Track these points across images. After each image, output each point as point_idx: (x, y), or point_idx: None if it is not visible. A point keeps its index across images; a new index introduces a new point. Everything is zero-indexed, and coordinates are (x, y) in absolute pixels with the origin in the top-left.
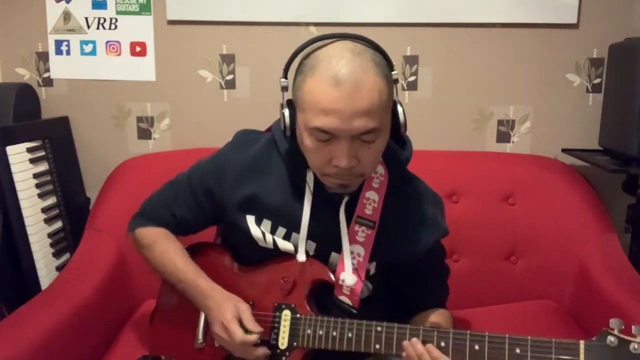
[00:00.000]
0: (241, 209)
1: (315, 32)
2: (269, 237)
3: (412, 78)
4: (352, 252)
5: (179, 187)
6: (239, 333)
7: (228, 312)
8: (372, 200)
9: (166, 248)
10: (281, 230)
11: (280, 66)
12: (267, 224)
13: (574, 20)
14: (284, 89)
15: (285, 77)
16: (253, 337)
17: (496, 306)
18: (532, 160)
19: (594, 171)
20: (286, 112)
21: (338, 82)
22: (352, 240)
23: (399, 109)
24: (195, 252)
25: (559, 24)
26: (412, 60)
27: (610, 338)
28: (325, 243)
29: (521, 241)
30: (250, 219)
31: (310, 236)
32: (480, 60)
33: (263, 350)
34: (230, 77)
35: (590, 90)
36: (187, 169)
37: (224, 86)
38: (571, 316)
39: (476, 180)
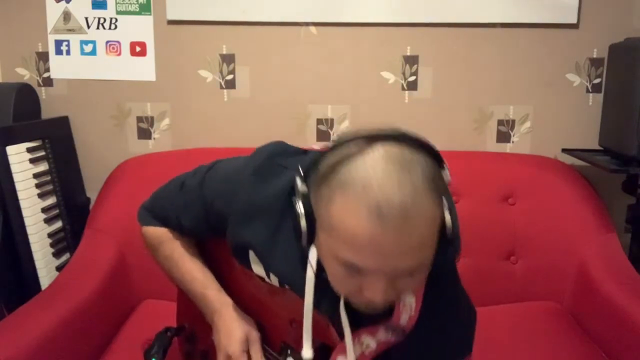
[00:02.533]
0: (242, 248)
1: (315, 32)
2: (274, 277)
3: (412, 78)
4: (362, 343)
5: (189, 196)
6: None
7: (237, 344)
8: (409, 307)
9: (171, 251)
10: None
11: (280, 66)
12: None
13: (574, 20)
14: (304, 197)
15: (305, 179)
16: None
17: (496, 306)
18: (532, 160)
19: (594, 171)
20: (303, 222)
21: (381, 213)
22: (371, 334)
23: (447, 216)
24: (217, 245)
25: (559, 24)
26: (412, 60)
27: None
28: (331, 318)
29: (521, 241)
30: (253, 254)
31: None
32: (480, 60)
33: None
34: (230, 77)
35: (590, 90)
36: (200, 173)
37: (224, 86)
38: (571, 316)
39: (476, 180)
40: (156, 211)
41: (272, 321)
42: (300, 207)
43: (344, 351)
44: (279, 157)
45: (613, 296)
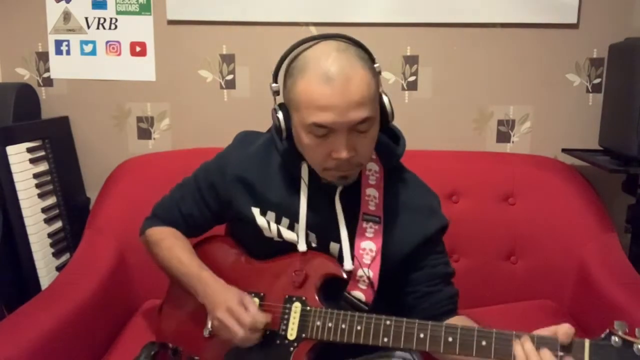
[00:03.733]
0: (244, 195)
1: (315, 32)
2: (273, 226)
3: (412, 78)
4: (364, 249)
5: (186, 187)
6: (247, 316)
7: (234, 299)
8: (373, 197)
9: (172, 245)
10: (285, 221)
11: None
12: (271, 215)
13: (574, 20)
14: (276, 93)
15: (276, 81)
16: (261, 323)
17: (496, 306)
18: (532, 160)
19: (594, 171)
20: (280, 115)
21: (329, 78)
22: (362, 237)
23: (385, 99)
24: (207, 244)
25: (559, 24)
26: (412, 60)
27: (615, 338)
28: (325, 233)
29: (521, 241)
30: (256, 210)
31: (310, 227)
32: (480, 60)
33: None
34: (230, 77)
35: (590, 90)
36: (193, 172)
37: (224, 86)
38: (571, 316)
39: (476, 180)
40: (158, 213)
41: (274, 292)
42: (276, 106)
43: (361, 262)
44: (252, 134)
45: (613, 296)
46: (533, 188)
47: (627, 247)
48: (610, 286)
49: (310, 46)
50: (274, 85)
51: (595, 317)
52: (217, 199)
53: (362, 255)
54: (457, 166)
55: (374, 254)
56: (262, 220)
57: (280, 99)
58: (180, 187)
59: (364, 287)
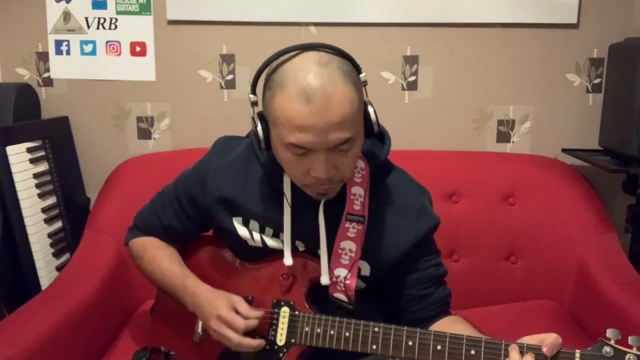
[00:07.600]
0: (225, 210)
1: (315, 32)
2: (256, 236)
3: (412, 78)
4: (343, 249)
5: (165, 197)
6: (240, 321)
7: (223, 306)
8: (358, 196)
9: (154, 256)
10: (269, 230)
11: None
12: (254, 224)
13: (574, 20)
14: (254, 104)
15: (254, 92)
16: (254, 322)
17: (496, 306)
18: (532, 160)
19: (594, 171)
20: (259, 126)
21: (308, 97)
22: (343, 237)
23: (370, 109)
24: (195, 246)
25: (559, 24)
26: (412, 60)
27: (607, 348)
28: (311, 241)
29: (521, 241)
30: (237, 220)
31: (296, 237)
32: (480, 60)
33: (260, 342)
34: (230, 77)
35: (590, 90)
36: (173, 180)
37: (224, 86)
38: (571, 316)
39: (476, 180)
40: (139, 224)
41: (262, 296)
42: (255, 116)
43: (338, 265)
44: (232, 140)
45: (613, 296)
46: (533, 188)
47: (627, 247)
48: (610, 286)
49: (290, 57)
50: (251, 96)
51: (595, 317)
52: (198, 210)
53: (341, 255)
54: (457, 166)
55: (353, 254)
56: (245, 231)
57: (259, 108)
58: (160, 197)
59: (342, 289)
